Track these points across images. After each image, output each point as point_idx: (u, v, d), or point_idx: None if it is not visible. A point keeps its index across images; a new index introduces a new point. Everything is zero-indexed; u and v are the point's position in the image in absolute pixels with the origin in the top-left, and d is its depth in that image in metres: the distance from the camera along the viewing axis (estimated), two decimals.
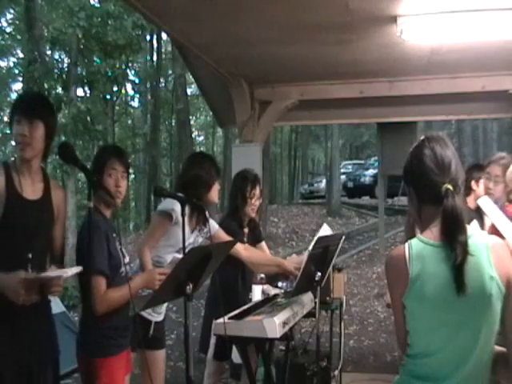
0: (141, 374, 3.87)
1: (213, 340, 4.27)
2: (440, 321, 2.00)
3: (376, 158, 19.56)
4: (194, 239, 3.99)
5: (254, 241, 4.65)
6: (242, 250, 4.32)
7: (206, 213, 3.90)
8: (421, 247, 2.03)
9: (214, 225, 4.11)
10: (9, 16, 22.55)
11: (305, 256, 4.06)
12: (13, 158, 2.95)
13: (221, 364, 4.56)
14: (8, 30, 22.18)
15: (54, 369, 2.99)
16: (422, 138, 2.21)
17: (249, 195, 4.51)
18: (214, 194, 4.06)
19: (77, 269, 2.76)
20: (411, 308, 2.04)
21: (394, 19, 4.39)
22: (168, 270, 3.16)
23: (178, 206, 3.72)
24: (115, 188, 3.21)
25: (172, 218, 3.76)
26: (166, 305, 3.95)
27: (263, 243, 4.77)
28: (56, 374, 3.01)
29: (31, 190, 2.86)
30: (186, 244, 3.82)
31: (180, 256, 3.69)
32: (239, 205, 4.50)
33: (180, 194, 3.67)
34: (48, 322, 2.98)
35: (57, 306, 3.47)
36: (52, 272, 2.75)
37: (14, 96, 25.29)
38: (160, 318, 3.91)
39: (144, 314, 3.73)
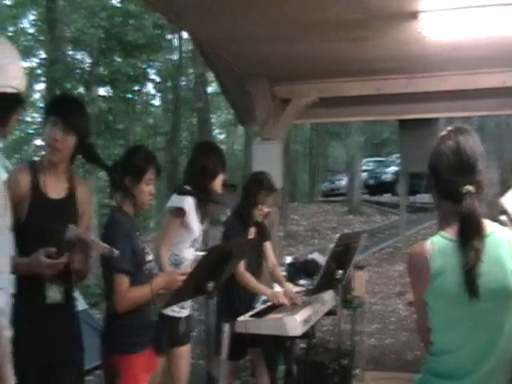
0: (166, 370, 3.88)
1: (226, 341, 4.28)
2: (461, 317, 1.98)
3: (397, 155, 19.44)
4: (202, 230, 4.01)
5: (260, 240, 4.64)
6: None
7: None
8: (442, 243, 2.01)
9: None
10: (31, 17, 22.75)
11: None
12: (37, 158, 2.95)
13: (235, 363, 4.57)
14: (30, 31, 22.36)
15: (79, 367, 3.00)
16: (449, 128, 2.14)
17: (261, 201, 4.44)
18: (218, 184, 4.03)
19: (104, 245, 2.73)
20: (433, 304, 2.03)
21: (414, 15, 4.35)
22: (189, 269, 3.18)
23: (187, 201, 3.76)
24: (149, 196, 3.27)
25: (184, 214, 3.79)
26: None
27: (268, 243, 4.75)
28: (80, 372, 3.02)
29: (56, 189, 2.88)
30: (197, 236, 3.87)
31: (196, 252, 3.72)
32: (249, 206, 4.48)
33: (200, 193, 3.72)
34: (72, 320, 2.99)
35: (79, 303, 3.50)
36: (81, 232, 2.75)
37: (36, 96, 25.49)
38: (187, 312, 3.93)
39: (170, 313, 3.75)
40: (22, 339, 2.45)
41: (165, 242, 3.79)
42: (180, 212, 3.79)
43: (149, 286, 3.02)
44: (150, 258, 3.30)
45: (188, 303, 3.92)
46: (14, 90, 2.16)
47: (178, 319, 3.83)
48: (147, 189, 3.25)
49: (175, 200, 3.86)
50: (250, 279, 4.33)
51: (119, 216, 3.16)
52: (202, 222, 3.95)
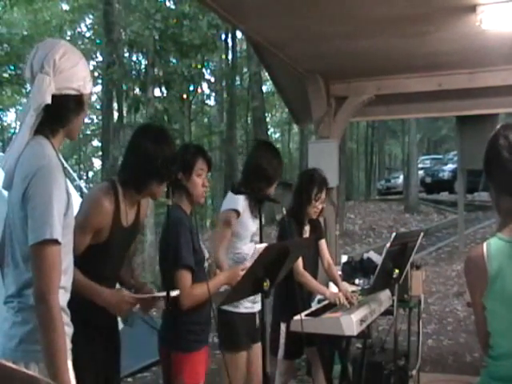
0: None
1: (282, 340, 4.27)
2: None
3: (455, 152, 19.06)
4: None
5: (315, 238, 4.60)
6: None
7: None
8: (500, 246, 1.97)
9: None
10: (88, 21, 23.31)
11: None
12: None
13: (292, 363, 4.55)
14: (87, 34, 22.93)
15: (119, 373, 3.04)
16: (499, 126, 2.14)
17: (314, 197, 4.42)
18: (272, 190, 4.00)
19: (176, 292, 2.85)
20: (491, 308, 1.98)
21: (472, 8, 4.26)
22: (248, 265, 3.17)
23: (240, 201, 3.79)
24: (202, 188, 3.29)
25: (239, 214, 3.81)
26: None
27: (323, 241, 4.72)
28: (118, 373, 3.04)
29: (129, 217, 2.87)
30: (255, 230, 3.86)
31: (255, 245, 3.69)
32: (302, 204, 4.46)
33: (254, 193, 3.72)
34: (116, 324, 3.00)
35: None
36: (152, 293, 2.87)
37: (93, 98, 26.05)
38: (259, 306, 3.90)
39: (244, 309, 3.75)
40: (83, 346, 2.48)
41: (222, 244, 3.80)
42: (234, 213, 3.81)
43: (211, 281, 3.05)
44: (206, 255, 3.33)
45: (258, 297, 3.91)
46: (75, 92, 2.17)
47: (253, 314, 3.83)
48: (199, 180, 3.27)
49: (229, 201, 3.87)
50: (309, 279, 4.32)
51: (178, 213, 3.19)
52: (256, 217, 3.94)
